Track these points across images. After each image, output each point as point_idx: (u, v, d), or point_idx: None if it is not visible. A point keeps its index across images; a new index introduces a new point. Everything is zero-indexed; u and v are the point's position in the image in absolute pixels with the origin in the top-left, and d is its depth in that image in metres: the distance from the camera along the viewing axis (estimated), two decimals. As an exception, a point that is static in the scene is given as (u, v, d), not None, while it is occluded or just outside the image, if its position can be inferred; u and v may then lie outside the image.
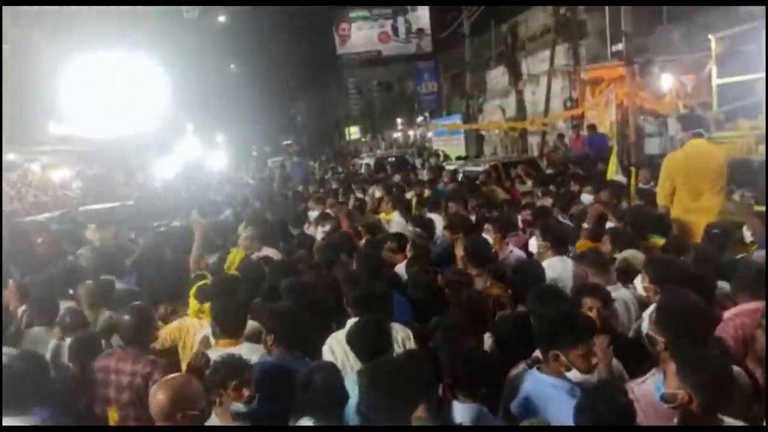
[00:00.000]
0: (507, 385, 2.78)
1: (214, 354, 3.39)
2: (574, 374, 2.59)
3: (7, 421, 2.48)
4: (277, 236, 6.65)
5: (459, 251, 4.63)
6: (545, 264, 4.26)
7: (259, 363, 3.07)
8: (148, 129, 26.48)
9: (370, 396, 2.22)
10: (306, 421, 2.52)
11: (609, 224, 5.37)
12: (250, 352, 3.22)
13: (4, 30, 18.78)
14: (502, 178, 10.16)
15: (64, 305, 4.25)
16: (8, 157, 20.18)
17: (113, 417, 3.15)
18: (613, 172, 8.25)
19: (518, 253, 5.04)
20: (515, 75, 20.32)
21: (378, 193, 9.45)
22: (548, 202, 7.04)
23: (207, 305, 3.76)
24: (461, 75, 24.51)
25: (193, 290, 4.08)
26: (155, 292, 4.40)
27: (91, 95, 23.00)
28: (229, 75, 43.67)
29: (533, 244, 5.22)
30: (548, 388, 2.58)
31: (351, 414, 2.52)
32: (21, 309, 4.31)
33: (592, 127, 12.94)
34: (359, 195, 9.88)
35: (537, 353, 2.80)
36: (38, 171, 22.14)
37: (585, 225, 5.39)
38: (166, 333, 3.87)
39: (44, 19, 22.67)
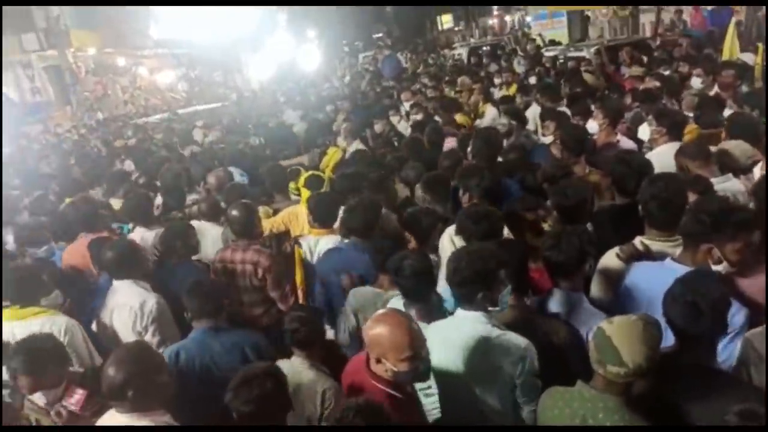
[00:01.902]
0: (609, 273, 2.71)
1: (305, 241, 3.64)
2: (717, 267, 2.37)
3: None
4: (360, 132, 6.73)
5: (554, 149, 4.44)
6: (656, 151, 3.98)
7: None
8: (242, 29, 26.73)
9: (456, 274, 2.29)
10: (397, 301, 2.69)
11: (727, 111, 4.85)
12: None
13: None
14: (605, 64, 9.34)
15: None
16: (118, 62, 21.43)
17: None
18: (732, 51, 7.23)
19: (627, 143, 4.72)
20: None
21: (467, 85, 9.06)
22: (655, 85, 6.43)
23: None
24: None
25: (302, 181, 4.39)
26: (264, 186, 4.83)
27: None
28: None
29: (644, 130, 4.86)
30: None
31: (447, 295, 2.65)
32: (157, 200, 4.86)
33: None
34: (447, 89, 9.52)
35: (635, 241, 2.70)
36: (146, 75, 23.43)
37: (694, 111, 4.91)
38: (279, 219, 4.20)
39: None
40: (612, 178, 3.34)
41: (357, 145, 6.03)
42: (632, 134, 5.14)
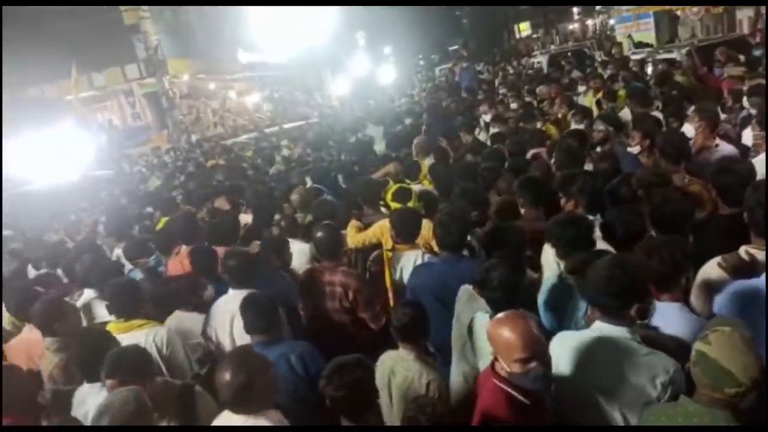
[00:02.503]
0: (710, 284, 2.57)
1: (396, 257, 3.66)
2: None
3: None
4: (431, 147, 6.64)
5: (644, 158, 4.24)
6: (760, 158, 3.70)
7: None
8: (322, 50, 27.67)
9: (612, 284, 2.16)
10: (480, 316, 2.68)
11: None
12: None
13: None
14: (697, 65, 8.81)
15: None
16: (209, 86, 22.80)
17: None
18: None
19: (727, 147, 4.42)
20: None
21: (547, 93, 8.84)
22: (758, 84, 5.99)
23: (411, 204, 4.09)
24: (650, -53, 21.16)
25: (390, 195, 4.36)
26: (351, 200, 4.80)
27: (271, 22, 24.49)
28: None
29: (747, 135, 4.54)
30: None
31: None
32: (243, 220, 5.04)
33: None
34: (528, 98, 9.32)
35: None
36: (234, 97, 24.74)
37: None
38: (370, 233, 4.21)
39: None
40: (716, 189, 3.14)
41: (430, 160, 5.93)
42: (737, 137, 4.82)
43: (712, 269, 2.62)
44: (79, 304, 4.03)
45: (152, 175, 10.98)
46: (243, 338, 3.13)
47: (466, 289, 2.93)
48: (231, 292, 3.39)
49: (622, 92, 7.47)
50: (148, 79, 18.13)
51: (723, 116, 5.38)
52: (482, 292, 2.63)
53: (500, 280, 2.54)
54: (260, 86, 26.42)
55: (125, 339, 3.12)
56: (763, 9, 13.49)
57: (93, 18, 16.60)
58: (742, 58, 8.46)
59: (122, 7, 17.61)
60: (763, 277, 2.37)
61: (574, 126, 5.78)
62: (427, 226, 3.71)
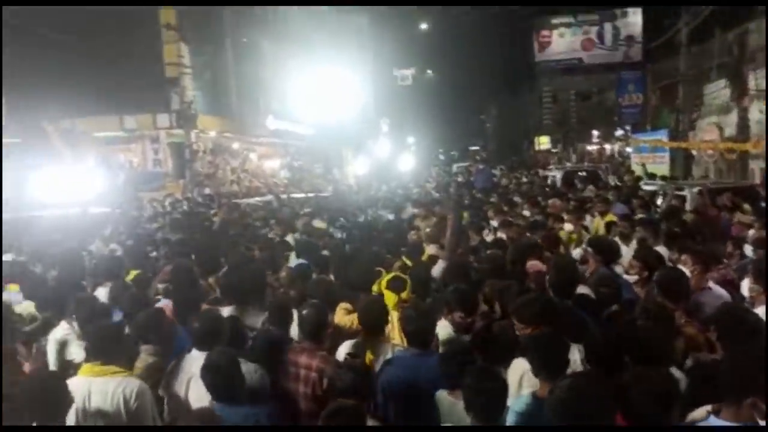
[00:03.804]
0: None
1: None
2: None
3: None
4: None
5: (638, 287, 4.26)
6: (758, 311, 3.71)
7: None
8: (348, 129, 28.72)
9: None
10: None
11: None
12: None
13: (229, 28, 21.67)
14: (707, 205, 8.99)
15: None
16: (233, 145, 23.47)
17: None
18: None
19: (719, 291, 4.45)
20: (739, 90, 17.89)
21: (558, 207, 8.98)
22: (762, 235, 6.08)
23: (404, 294, 3.94)
24: (673, 87, 22.25)
25: (384, 282, 4.11)
26: (350, 282, 4.68)
27: (303, 96, 25.63)
28: (425, 80, 45.21)
29: (746, 286, 4.56)
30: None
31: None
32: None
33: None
34: (534, 210, 9.34)
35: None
36: (255, 159, 25.38)
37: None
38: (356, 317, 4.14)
39: (269, 27, 25.87)
40: (717, 333, 3.14)
41: (432, 249, 5.94)
42: (734, 284, 4.84)
43: (700, 414, 2.56)
44: (52, 338, 3.98)
45: (155, 220, 11.05)
46: (200, 401, 3.11)
47: (443, 397, 2.87)
48: (194, 352, 3.35)
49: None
50: (177, 130, 18.72)
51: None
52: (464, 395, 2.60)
53: (480, 386, 2.55)
54: (282, 153, 27.14)
55: (95, 383, 3.11)
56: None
57: (138, 64, 17.43)
58: (747, 206, 8.62)
59: (166, 60, 18.51)
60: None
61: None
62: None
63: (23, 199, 11.54)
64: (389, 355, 3.44)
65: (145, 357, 3.54)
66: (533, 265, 5.12)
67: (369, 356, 3.44)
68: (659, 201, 10.46)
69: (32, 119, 15.30)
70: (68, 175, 13.20)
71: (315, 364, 3.32)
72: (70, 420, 2.95)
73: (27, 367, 3.38)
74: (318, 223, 8.94)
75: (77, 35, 16.70)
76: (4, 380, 2.94)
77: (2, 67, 10.24)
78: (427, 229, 6.67)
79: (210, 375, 2.95)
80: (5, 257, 6.65)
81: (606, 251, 5.20)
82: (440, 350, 3.44)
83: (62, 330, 4.02)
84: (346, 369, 2.96)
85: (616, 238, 6.40)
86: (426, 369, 3.11)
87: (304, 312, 3.54)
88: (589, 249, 5.35)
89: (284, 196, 15.21)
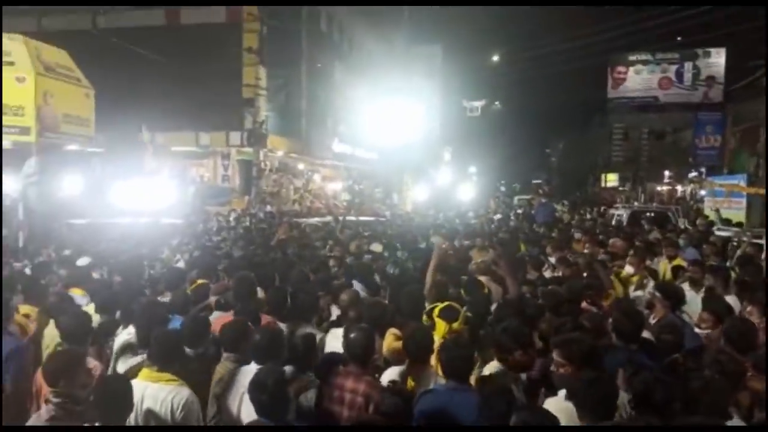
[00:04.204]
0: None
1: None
2: None
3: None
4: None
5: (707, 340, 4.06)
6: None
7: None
8: (410, 155, 28.99)
9: None
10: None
11: None
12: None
13: (305, 53, 22.49)
14: (782, 255, 8.46)
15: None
16: (298, 165, 24.18)
17: None
18: None
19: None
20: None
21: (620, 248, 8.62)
22: None
23: (456, 325, 3.91)
24: (754, 130, 21.30)
25: (437, 311, 4.06)
26: (401, 308, 4.63)
27: (369, 121, 26.15)
28: (493, 111, 45.13)
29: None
30: None
31: None
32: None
33: None
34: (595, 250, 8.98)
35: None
36: (318, 181, 26.00)
37: None
38: (402, 344, 4.10)
39: (343, 54, 26.69)
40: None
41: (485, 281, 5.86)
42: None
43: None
44: (117, 342, 4.17)
45: (219, 234, 11.45)
46: (250, 415, 3.13)
47: None
48: (253, 365, 3.41)
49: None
50: (247, 148, 19.52)
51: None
52: None
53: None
54: (345, 176, 27.68)
55: (150, 388, 3.24)
56: None
57: (218, 85, 18.42)
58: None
59: (244, 82, 19.43)
60: None
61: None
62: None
63: (102, 207, 12.27)
64: (431, 385, 3.40)
65: (226, 364, 3.65)
66: (588, 305, 5.01)
67: (410, 384, 3.44)
68: (733, 249, 9.92)
69: (118, 131, 16.36)
70: (145, 185, 13.96)
71: (362, 388, 3.30)
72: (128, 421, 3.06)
73: (96, 368, 3.55)
74: (376, 247, 9.01)
75: (166, 55, 17.89)
76: (76, 382, 3.02)
77: (2, 66, 11.07)
78: (479, 260, 6.54)
79: (257, 391, 2.96)
80: (80, 262, 6.98)
81: (673, 297, 5.03)
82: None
83: (126, 335, 4.20)
84: (390, 394, 2.96)
85: (685, 284, 6.13)
86: (457, 403, 3.06)
87: (352, 335, 3.51)
88: (657, 294, 5.18)
89: (341, 218, 15.42)
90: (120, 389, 2.94)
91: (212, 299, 5.05)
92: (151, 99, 17.31)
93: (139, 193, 13.42)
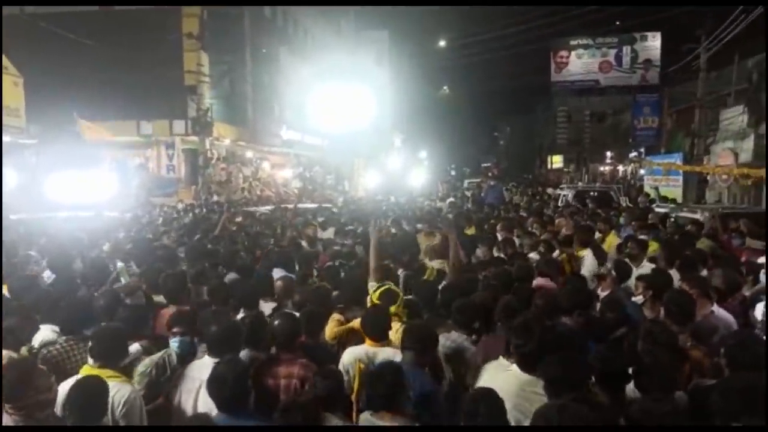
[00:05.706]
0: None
1: (364, 351, 3.63)
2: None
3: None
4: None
5: (647, 309, 4.23)
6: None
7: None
8: (361, 142, 28.87)
9: None
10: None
11: None
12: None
13: (249, 38, 21.97)
14: (719, 230, 8.88)
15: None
16: (247, 153, 23.68)
17: None
18: None
19: (722, 314, 4.39)
20: (757, 116, 17.79)
21: (565, 226, 8.86)
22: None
23: (394, 308, 3.98)
24: (689, 111, 22.23)
25: (376, 295, 4.15)
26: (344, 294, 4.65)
27: (317, 107, 25.80)
28: (441, 96, 45.41)
29: (760, 311, 4.50)
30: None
31: None
32: None
33: None
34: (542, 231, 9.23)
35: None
36: (267, 169, 25.55)
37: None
38: (344, 329, 4.10)
39: (288, 39, 26.19)
40: (727, 359, 3.10)
41: (438, 264, 5.93)
42: (743, 310, 4.77)
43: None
44: (38, 341, 3.79)
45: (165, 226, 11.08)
46: (206, 408, 3.06)
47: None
48: (206, 358, 3.31)
49: (654, 244, 7.42)
50: (192, 137, 18.94)
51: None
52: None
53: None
54: (294, 163, 27.30)
55: None
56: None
57: (158, 72, 17.70)
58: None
59: (186, 68, 18.78)
60: None
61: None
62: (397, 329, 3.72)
63: (39, 201, 11.67)
64: (398, 359, 3.43)
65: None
66: (540, 283, 5.12)
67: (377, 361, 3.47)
68: (672, 224, 10.36)
69: (52, 122, 15.54)
70: (84, 177, 13.35)
71: (296, 371, 3.32)
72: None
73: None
74: (327, 234, 8.94)
75: (101, 41, 17.04)
76: (33, 390, 2.78)
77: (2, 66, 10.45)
78: (426, 244, 6.60)
79: (217, 387, 2.88)
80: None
81: (621, 272, 5.34)
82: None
83: (44, 333, 3.83)
84: (321, 377, 3.01)
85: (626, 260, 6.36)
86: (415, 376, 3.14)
87: (276, 323, 3.50)
88: (612, 271, 5.39)
89: (292, 206, 15.20)
90: (96, 390, 2.86)
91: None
92: (87, 87, 16.53)
93: (77, 186, 12.82)
